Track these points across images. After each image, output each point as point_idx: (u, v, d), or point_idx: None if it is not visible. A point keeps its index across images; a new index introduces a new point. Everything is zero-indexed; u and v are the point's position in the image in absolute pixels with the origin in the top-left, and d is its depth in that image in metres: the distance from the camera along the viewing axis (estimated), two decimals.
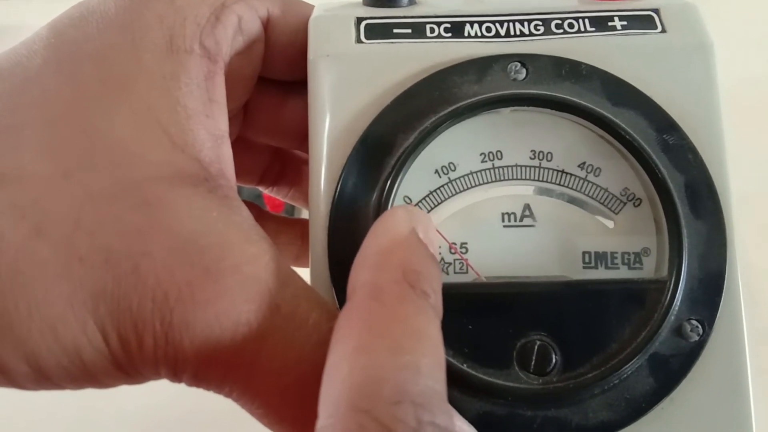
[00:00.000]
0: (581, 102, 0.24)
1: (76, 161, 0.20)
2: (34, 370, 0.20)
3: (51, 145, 0.20)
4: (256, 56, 0.26)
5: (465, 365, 0.23)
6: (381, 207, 0.24)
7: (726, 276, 0.24)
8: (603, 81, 0.25)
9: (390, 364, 0.17)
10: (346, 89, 0.25)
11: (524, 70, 0.25)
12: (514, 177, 0.25)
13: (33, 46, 0.22)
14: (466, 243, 0.25)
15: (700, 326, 0.23)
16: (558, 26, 0.26)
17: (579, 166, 0.25)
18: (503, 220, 0.25)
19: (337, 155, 0.25)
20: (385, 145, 0.25)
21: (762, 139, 0.62)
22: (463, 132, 0.25)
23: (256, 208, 0.32)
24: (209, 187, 0.21)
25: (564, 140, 0.25)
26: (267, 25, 0.26)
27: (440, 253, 0.25)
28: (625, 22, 0.26)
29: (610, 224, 0.25)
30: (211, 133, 0.23)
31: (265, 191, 0.35)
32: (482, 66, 0.25)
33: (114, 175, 0.20)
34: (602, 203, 0.25)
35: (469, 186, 0.25)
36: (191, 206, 0.21)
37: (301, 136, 0.30)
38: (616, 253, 0.25)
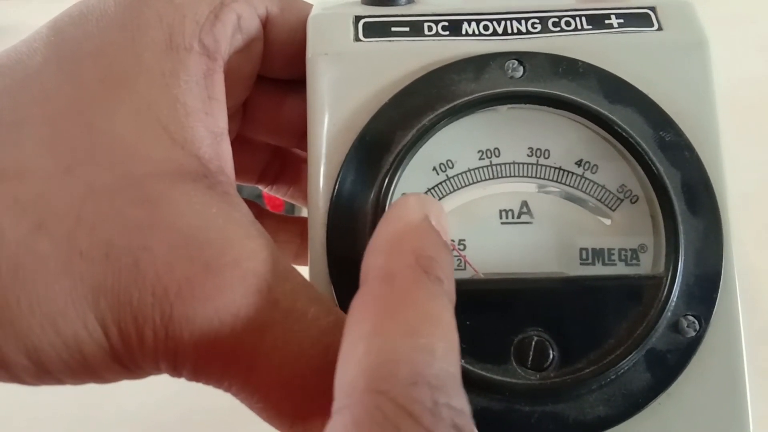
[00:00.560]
0: (578, 99, 0.25)
1: (77, 157, 0.20)
2: (35, 365, 0.20)
3: (52, 141, 0.20)
4: (255, 54, 0.26)
5: (463, 361, 0.23)
6: (379, 204, 0.24)
7: (723, 272, 0.24)
8: (600, 78, 0.25)
9: (406, 346, 0.17)
10: (344, 87, 0.25)
11: (521, 68, 0.25)
12: (512, 174, 0.25)
13: (33, 44, 0.22)
14: (464, 240, 0.25)
15: (696, 322, 0.23)
16: (555, 24, 0.26)
17: (576, 163, 0.25)
18: (501, 217, 0.25)
19: (336, 153, 0.25)
20: (384, 142, 0.25)
21: (761, 139, 0.62)
22: (461, 129, 0.25)
23: (255, 206, 0.32)
24: (209, 183, 0.22)
25: (561, 138, 0.25)
26: (266, 23, 0.26)
27: None
28: (621, 20, 0.26)
29: (607, 221, 0.25)
30: (210, 130, 0.23)
31: (265, 190, 0.35)
32: (480, 64, 0.25)
33: (115, 171, 0.21)
34: (599, 200, 0.25)
35: (467, 183, 0.25)
36: (191, 202, 0.21)
37: (300, 134, 0.30)
38: (613, 249, 0.25)
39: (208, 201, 0.21)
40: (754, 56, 0.68)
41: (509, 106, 0.25)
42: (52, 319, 0.19)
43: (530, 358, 0.23)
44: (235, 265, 0.20)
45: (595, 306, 0.24)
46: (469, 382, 0.23)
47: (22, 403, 0.52)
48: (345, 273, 0.24)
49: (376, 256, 0.20)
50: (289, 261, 0.22)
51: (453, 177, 0.25)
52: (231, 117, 0.25)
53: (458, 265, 0.25)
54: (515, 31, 0.26)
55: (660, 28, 0.26)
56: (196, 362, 0.20)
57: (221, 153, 0.23)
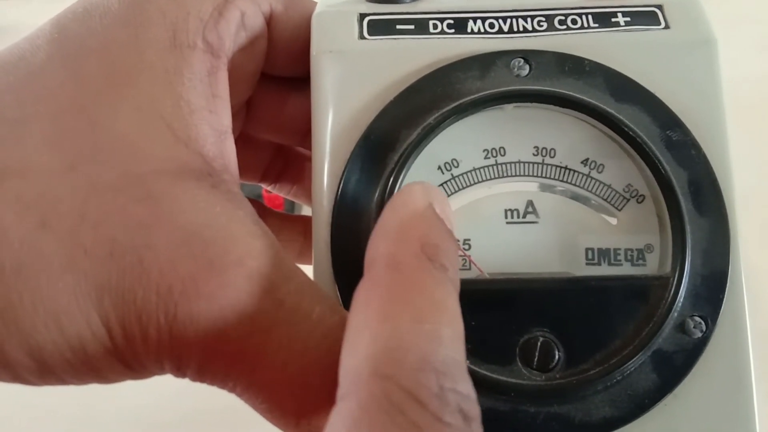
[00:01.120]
0: (584, 98, 0.24)
1: (81, 154, 0.20)
2: (38, 364, 0.20)
3: (56, 138, 0.20)
4: (259, 52, 0.26)
5: (468, 361, 0.23)
6: (384, 203, 0.24)
7: (729, 272, 0.24)
8: (606, 77, 0.25)
9: (412, 332, 0.17)
10: (349, 86, 0.25)
11: (527, 66, 0.25)
12: (517, 173, 0.25)
13: (36, 42, 0.22)
14: (469, 239, 0.25)
15: (703, 323, 0.23)
16: (561, 22, 0.26)
17: (582, 162, 0.25)
18: (506, 217, 0.25)
19: (340, 152, 0.25)
20: (388, 141, 0.25)
21: (761, 139, 0.62)
22: (466, 128, 0.25)
23: (258, 204, 0.32)
24: (213, 181, 0.21)
25: (567, 137, 0.25)
26: (270, 20, 0.26)
27: None
28: (628, 18, 0.26)
29: (613, 221, 0.25)
30: (214, 128, 0.23)
31: (268, 188, 0.35)
32: (485, 62, 0.25)
33: (118, 169, 0.20)
34: (605, 200, 0.25)
35: (472, 182, 0.25)
36: (195, 200, 0.21)
37: (304, 132, 0.30)
38: (619, 249, 0.25)
39: (211, 199, 0.21)
40: (754, 56, 0.67)
41: (515, 104, 0.25)
42: (55, 318, 0.19)
43: (536, 359, 0.23)
44: (239, 263, 0.20)
45: (601, 306, 0.23)
46: (475, 382, 0.22)
47: (23, 402, 0.52)
48: (349, 272, 0.24)
49: (381, 243, 0.20)
50: (292, 260, 0.22)
51: (458, 176, 0.25)
52: (234, 115, 0.25)
53: (463, 265, 0.25)
54: (521, 29, 0.26)
55: (667, 27, 0.26)
56: (200, 362, 0.20)
57: (225, 151, 0.23)
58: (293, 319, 0.20)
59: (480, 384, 0.23)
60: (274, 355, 0.20)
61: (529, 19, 0.26)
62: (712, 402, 0.23)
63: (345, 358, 0.18)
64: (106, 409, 0.53)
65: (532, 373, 0.23)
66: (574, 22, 0.26)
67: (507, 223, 0.25)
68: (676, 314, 0.23)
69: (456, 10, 0.26)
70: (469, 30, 0.26)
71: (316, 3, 0.27)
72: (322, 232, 0.25)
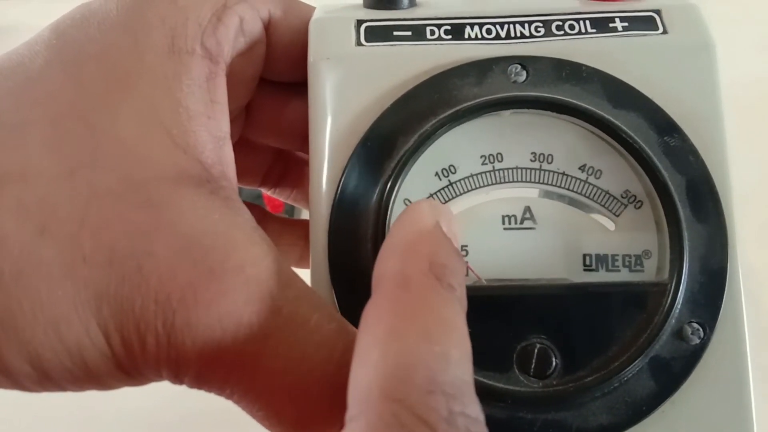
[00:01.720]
0: (582, 104, 0.24)
1: (81, 160, 0.20)
2: (37, 371, 0.20)
3: (55, 143, 0.20)
4: (258, 57, 0.26)
5: None
6: (381, 209, 0.24)
7: (727, 278, 0.24)
8: (604, 83, 0.25)
9: (421, 351, 0.17)
10: (346, 92, 0.25)
11: (525, 72, 0.25)
12: (515, 179, 0.25)
13: (35, 47, 0.22)
14: (466, 246, 0.25)
15: (701, 329, 0.23)
16: (558, 28, 0.26)
17: (580, 168, 0.25)
18: (504, 223, 0.25)
19: (338, 158, 0.25)
20: (386, 147, 0.25)
21: (760, 140, 0.62)
22: (464, 134, 0.25)
23: (258, 209, 0.32)
24: (211, 188, 0.22)
25: (565, 142, 0.25)
26: (268, 26, 0.26)
27: None
28: (626, 24, 0.26)
29: (611, 226, 0.25)
30: (212, 134, 0.23)
31: (268, 192, 0.35)
32: (482, 68, 0.25)
33: (118, 175, 0.20)
34: (603, 205, 0.25)
35: (470, 188, 0.25)
36: (194, 207, 0.21)
37: (303, 136, 0.29)
38: (617, 255, 0.25)
39: (210, 206, 0.21)
40: (754, 56, 0.67)
41: (512, 111, 0.25)
42: (54, 325, 0.19)
43: (533, 366, 0.23)
44: (238, 271, 0.20)
45: (599, 313, 0.23)
46: None
47: (23, 403, 0.52)
48: (346, 278, 0.24)
49: (390, 261, 0.20)
50: (291, 265, 0.22)
51: (455, 182, 0.25)
52: (233, 120, 0.25)
53: None
54: (518, 35, 0.26)
55: (665, 32, 0.25)
56: (198, 370, 0.20)
57: (223, 157, 0.23)
58: (291, 327, 0.20)
59: (477, 391, 0.23)
60: (271, 363, 0.20)
61: (526, 25, 0.26)
62: (710, 408, 0.23)
63: (354, 377, 0.18)
64: (106, 410, 0.53)
65: (529, 380, 0.23)
66: (571, 27, 0.26)
67: (504, 229, 0.25)
68: (673, 320, 0.23)
69: (453, 16, 0.26)
70: (466, 36, 0.26)
71: (314, 8, 0.27)
72: (319, 238, 0.25)
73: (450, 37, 0.26)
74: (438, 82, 0.25)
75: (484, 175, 0.25)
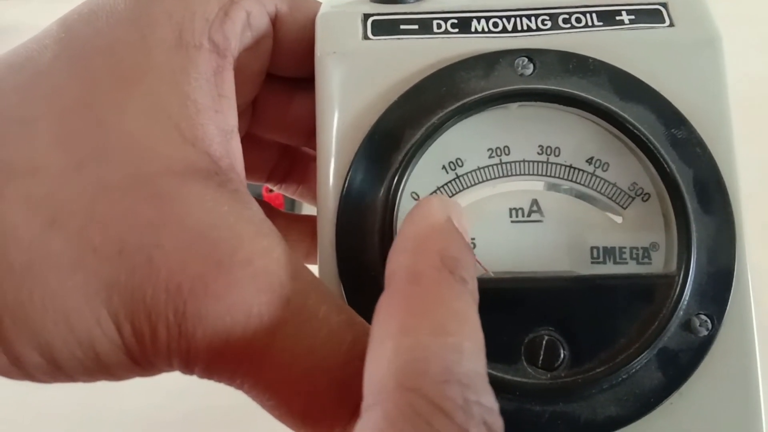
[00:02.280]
0: (589, 97, 0.24)
1: (89, 153, 0.20)
2: (49, 362, 0.20)
3: (64, 137, 0.20)
4: (264, 52, 0.26)
5: None
6: (389, 203, 0.24)
7: (735, 270, 0.24)
8: (611, 76, 0.25)
9: (435, 344, 0.17)
10: (353, 86, 0.25)
11: (531, 65, 0.25)
12: (522, 172, 0.25)
13: (43, 42, 0.22)
14: (473, 239, 0.25)
15: (709, 321, 0.23)
16: (565, 21, 0.26)
17: (587, 161, 0.25)
18: (511, 216, 0.25)
19: (345, 151, 0.25)
20: (393, 141, 0.25)
21: (764, 138, 0.62)
22: (471, 127, 0.25)
23: (266, 205, 0.32)
24: (219, 181, 0.22)
25: (572, 135, 0.25)
26: (275, 21, 0.26)
27: None
28: (632, 16, 0.26)
29: (618, 219, 0.25)
30: (220, 128, 0.23)
31: (274, 188, 0.35)
32: (489, 61, 0.25)
33: (126, 168, 0.20)
34: (610, 198, 0.25)
35: (477, 182, 0.25)
36: (203, 200, 0.21)
37: (309, 132, 0.30)
38: (625, 248, 0.25)
39: (219, 199, 0.21)
40: (754, 56, 0.68)
41: (519, 103, 0.25)
42: (65, 316, 0.19)
43: (541, 358, 0.23)
44: (247, 263, 0.20)
45: (607, 305, 0.23)
46: None
47: (24, 402, 0.52)
48: (354, 271, 0.24)
49: (401, 256, 0.20)
50: (300, 259, 0.22)
51: (462, 175, 0.25)
52: (240, 115, 0.25)
53: None
54: (525, 28, 0.26)
55: (672, 24, 0.26)
56: (208, 360, 0.20)
57: (231, 151, 0.23)
58: (299, 319, 0.20)
59: None
60: (280, 354, 0.20)
61: (533, 18, 0.26)
62: (719, 400, 0.23)
63: (369, 369, 0.18)
64: (108, 407, 0.53)
65: (537, 372, 0.23)
66: (578, 20, 0.26)
67: (512, 222, 0.25)
68: (681, 312, 0.23)
69: (460, 9, 0.26)
70: (473, 29, 0.26)
71: (320, 3, 0.27)
72: (327, 232, 0.25)
73: (457, 30, 0.26)
74: (445, 75, 0.25)
75: (491, 168, 0.25)
